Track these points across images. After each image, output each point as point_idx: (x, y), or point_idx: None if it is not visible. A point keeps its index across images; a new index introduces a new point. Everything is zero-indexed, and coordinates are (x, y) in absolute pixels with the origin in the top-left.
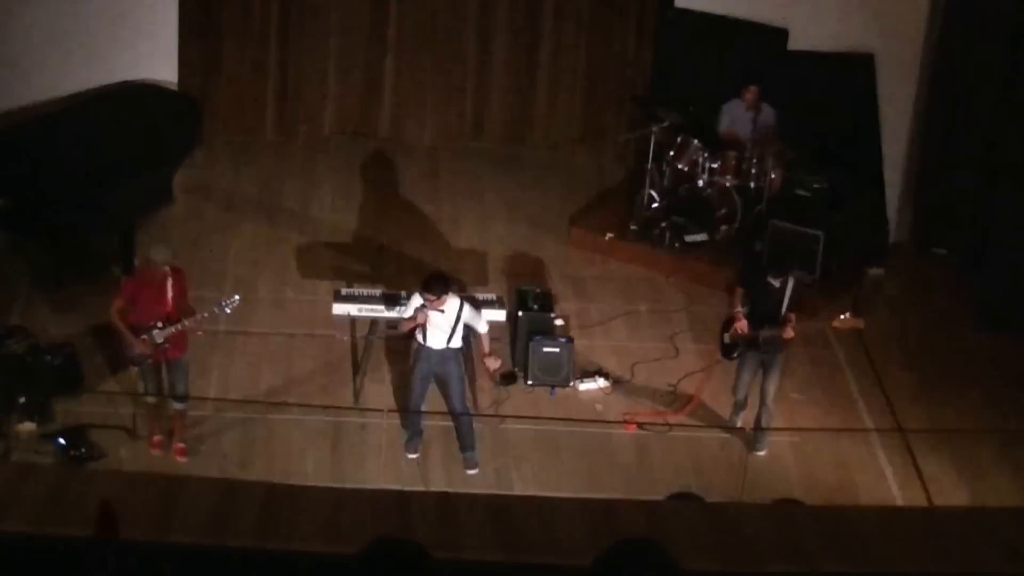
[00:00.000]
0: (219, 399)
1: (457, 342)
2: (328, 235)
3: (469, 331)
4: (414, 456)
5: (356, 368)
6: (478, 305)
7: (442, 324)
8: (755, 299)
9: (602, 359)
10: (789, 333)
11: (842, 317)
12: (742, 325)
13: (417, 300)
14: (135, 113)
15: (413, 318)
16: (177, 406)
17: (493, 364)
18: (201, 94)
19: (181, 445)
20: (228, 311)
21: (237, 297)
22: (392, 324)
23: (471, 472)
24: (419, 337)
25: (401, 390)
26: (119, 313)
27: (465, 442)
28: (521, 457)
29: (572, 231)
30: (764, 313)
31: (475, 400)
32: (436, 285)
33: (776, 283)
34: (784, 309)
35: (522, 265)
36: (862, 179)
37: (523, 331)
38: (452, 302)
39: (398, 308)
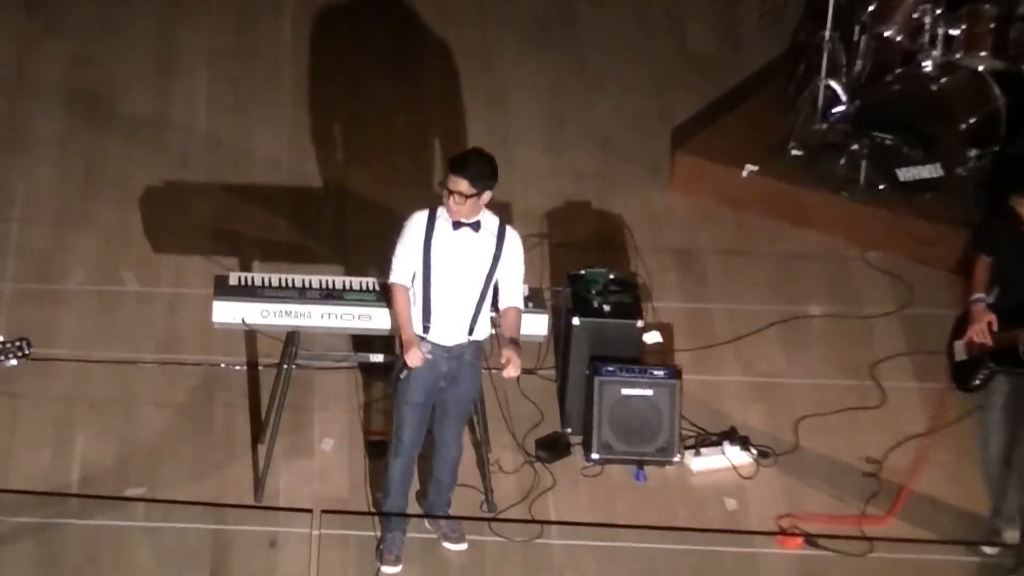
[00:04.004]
0: (7, 490)
1: (483, 327)
2: (205, 164)
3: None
4: (394, 571)
5: (260, 429)
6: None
7: (474, 271)
8: (1010, 272)
9: (737, 410)
10: None
11: None
12: (981, 328)
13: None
14: None
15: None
16: None
17: (513, 372)
18: None
19: None
20: (13, 363)
21: (26, 346)
22: (365, 363)
23: (456, 548)
24: (419, 330)
25: (347, 466)
26: None
27: (441, 497)
28: None
29: (675, 161)
30: None
31: (486, 492)
32: (473, 166)
33: None
34: None
35: (579, 228)
36: None
37: (581, 354)
38: (489, 218)
39: (360, 314)
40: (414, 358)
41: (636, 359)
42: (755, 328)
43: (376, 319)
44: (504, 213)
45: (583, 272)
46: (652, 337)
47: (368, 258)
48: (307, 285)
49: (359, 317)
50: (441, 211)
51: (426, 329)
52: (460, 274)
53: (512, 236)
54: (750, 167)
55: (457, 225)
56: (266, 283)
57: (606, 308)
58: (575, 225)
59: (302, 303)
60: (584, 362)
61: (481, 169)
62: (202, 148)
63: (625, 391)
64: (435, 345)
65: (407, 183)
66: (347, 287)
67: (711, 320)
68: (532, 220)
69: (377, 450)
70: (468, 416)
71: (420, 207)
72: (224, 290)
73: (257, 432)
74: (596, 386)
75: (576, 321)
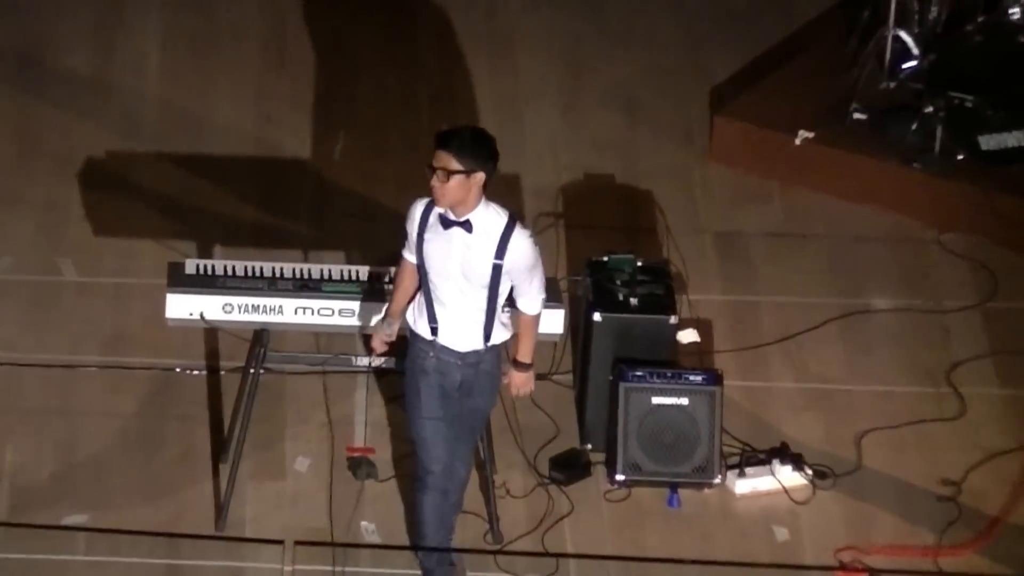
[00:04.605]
0: None
1: (501, 330)
2: (157, 131)
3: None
4: None
5: (222, 445)
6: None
7: (471, 280)
8: None
9: (789, 422)
10: None
11: None
12: None
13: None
14: None
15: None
16: None
17: (523, 388)
18: None
19: None
20: None
21: None
22: (349, 367)
23: None
24: (417, 325)
25: (325, 490)
26: None
27: (445, 530)
28: None
29: (714, 127)
30: None
31: (491, 520)
32: (460, 138)
33: None
34: None
35: (601, 206)
36: None
37: (603, 356)
38: (491, 216)
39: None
40: (375, 340)
41: (669, 361)
42: (810, 325)
43: (361, 314)
44: (512, 188)
45: (606, 258)
46: (688, 335)
47: (351, 242)
48: (278, 274)
49: (340, 312)
50: None
51: (434, 331)
52: (455, 279)
53: (517, 243)
54: (804, 133)
55: (448, 224)
56: (229, 272)
57: (633, 301)
58: (596, 203)
59: (272, 295)
60: (607, 365)
61: (471, 146)
62: (153, 113)
63: (656, 400)
64: (446, 349)
65: (397, 154)
66: (326, 276)
67: (757, 315)
68: (545, 197)
69: (362, 470)
70: (480, 430)
71: (411, 181)
72: (179, 280)
73: (219, 449)
74: (621, 394)
75: (597, 317)
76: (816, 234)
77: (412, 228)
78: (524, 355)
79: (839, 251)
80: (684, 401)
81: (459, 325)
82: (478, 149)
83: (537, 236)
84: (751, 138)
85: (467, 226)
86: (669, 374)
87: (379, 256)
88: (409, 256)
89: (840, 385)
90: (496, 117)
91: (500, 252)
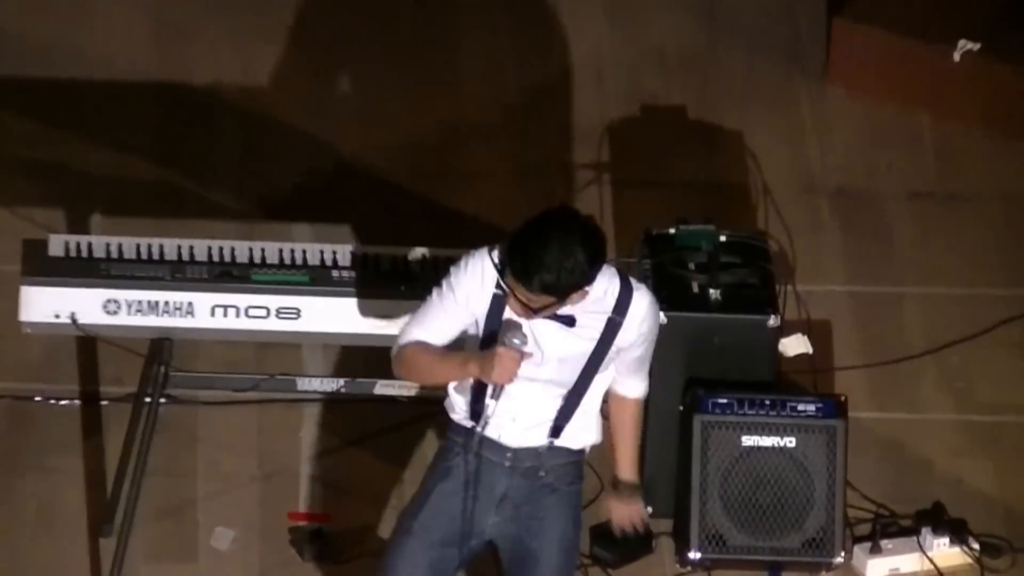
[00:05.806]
0: None
1: (585, 430)
2: (12, 51)
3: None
4: None
5: (102, 510)
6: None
7: (566, 362)
8: None
9: (944, 472)
10: None
11: None
12: None
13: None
14: None
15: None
16: None
17: (634, 518)
18: None
19: None
20: None
21: None
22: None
23: None
24: (453, 403)
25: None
26: None
27: None
28: None
29: (833, 35)
30: None
31: None
32: (565, 280)
33: None
34: None
35: (667, 153)
36: None
37: (670, 373)
38: (602, 290)
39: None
40: (505, 366)
41: (768, 383)
42: (975, 328)
43: (307, 316)
44: (539, 126)
45: (673, 231)
46: (796, 345)
47: (294, 209)
48: (187, 256)
49: (279, 312)
50: None
51: (476, 415)
52: (542, 363)
53: (639, 310)
54: (965, 44)
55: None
56: (114, 253)
57: (714, 294)
58: (658, 148)
59: (179, 288)
60: (676, 388)
61: (577, 278)
62: (4, 21)
63: (748, 440)
64: (490, 443)
65: (362, 82)
66: (257, 260)
67: (897, 315)
68: (585, 139)
69: (310, 546)
70: (569, 565)
71: (382, 122)
72: (40, 266)
73: (101, 516)
74: (697, 431)
75: (662, 317)
76: (983, 193)
77: (468, 308)
78: (628, 469)
79: (1017, 219)
80: (790, 442)
81: (519, 409)
82: (587, 272)
83: (576, 195)
84: (887, 51)
85: (568, 321)
86: (768, 402)
87: (334, 230)
88: (413, 340)
89: (1020, 417)
90: (513, 24)
91: (612, 327)
